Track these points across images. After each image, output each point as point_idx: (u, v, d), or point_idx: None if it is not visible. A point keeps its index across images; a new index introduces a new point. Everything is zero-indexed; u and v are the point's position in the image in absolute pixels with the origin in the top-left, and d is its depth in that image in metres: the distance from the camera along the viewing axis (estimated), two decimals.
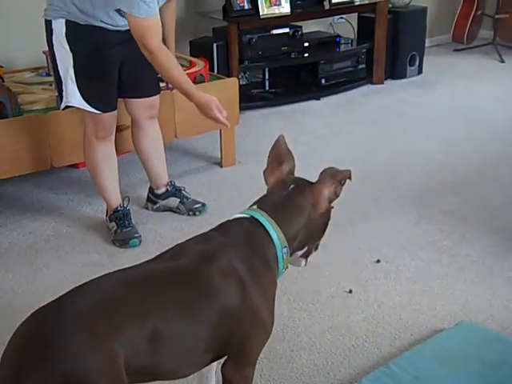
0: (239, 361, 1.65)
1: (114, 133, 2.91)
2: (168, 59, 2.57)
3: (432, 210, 3.20)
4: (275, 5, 4.63)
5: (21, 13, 3.97)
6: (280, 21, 4.73)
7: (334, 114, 4.72)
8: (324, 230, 1.83)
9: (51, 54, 2.74)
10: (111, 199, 2.99)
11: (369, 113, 4.72)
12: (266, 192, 1.80)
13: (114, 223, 2.96)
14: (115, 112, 2.84)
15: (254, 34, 4.64)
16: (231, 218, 1.74)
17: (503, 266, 2.73)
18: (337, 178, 1.74)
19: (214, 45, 4.49)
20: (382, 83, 5.34)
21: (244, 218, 1.71)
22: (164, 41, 2.91)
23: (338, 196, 1.77)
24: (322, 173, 1.77)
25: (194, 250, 1.62)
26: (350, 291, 2.56)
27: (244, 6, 4.58)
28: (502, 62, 5.96)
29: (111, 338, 1.35)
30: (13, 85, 3.40)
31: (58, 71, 2.73)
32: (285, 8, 4.67)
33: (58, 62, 2.71)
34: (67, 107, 2.83)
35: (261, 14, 4.58)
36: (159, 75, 3.11)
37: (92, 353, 1.31)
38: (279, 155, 1.81)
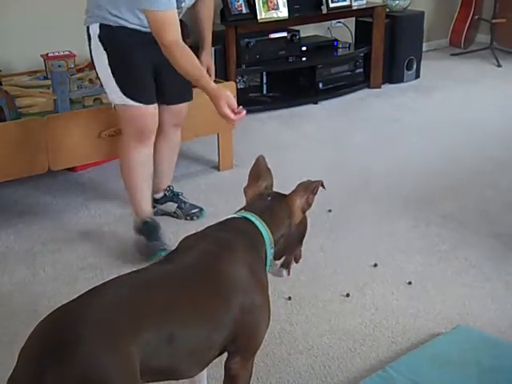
0: (245, 355, 1.68)
1: (154, 137, 2.85)
2: (182, 54, 2.57)
3: (430, 215, 3.20)
4: (273, 9, 4.64)
5: (19, 16, 3.97)
6: (278, 25, 4.74)
7: (332, 118, 4.72)
8: (301, 241, 1.92)
9: (92, 60, 2.77)
10: (144, 208, 2.90)
11: (366, 117, 4.73)
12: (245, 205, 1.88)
13: (141, 235, 2.88)
14: (156, 111, 2.80)
15: (252, 38, 4.65)
16: (226, 218, 1.79)
17: (501, 270, 2.73)
18: (309, 188, 1.84)
19: (212, 49, 4.47)
20: (380, 87, 5.35)
21: (237, 217, 1.78)
22: (202, 39, 3.10)
23: (310, 205, 1.85)
24: (297, 186, 1.86)
25: (202, 249, 1.66)
26: (348, 295, 2.56)
27: (242, 10, 4.60)
28: (499, 66, 5.97)
29: (129, 340, 1.37)
30: (11, 88, 3.40)
31: (101, 74, 2.76)
32: (282, 12, 4.68)
33: (96, 64, 2.74)
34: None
35: (258, 18, 4.58)
36: None
37: (109, 354, 1.33)
38: (257, 172, 1.90)
